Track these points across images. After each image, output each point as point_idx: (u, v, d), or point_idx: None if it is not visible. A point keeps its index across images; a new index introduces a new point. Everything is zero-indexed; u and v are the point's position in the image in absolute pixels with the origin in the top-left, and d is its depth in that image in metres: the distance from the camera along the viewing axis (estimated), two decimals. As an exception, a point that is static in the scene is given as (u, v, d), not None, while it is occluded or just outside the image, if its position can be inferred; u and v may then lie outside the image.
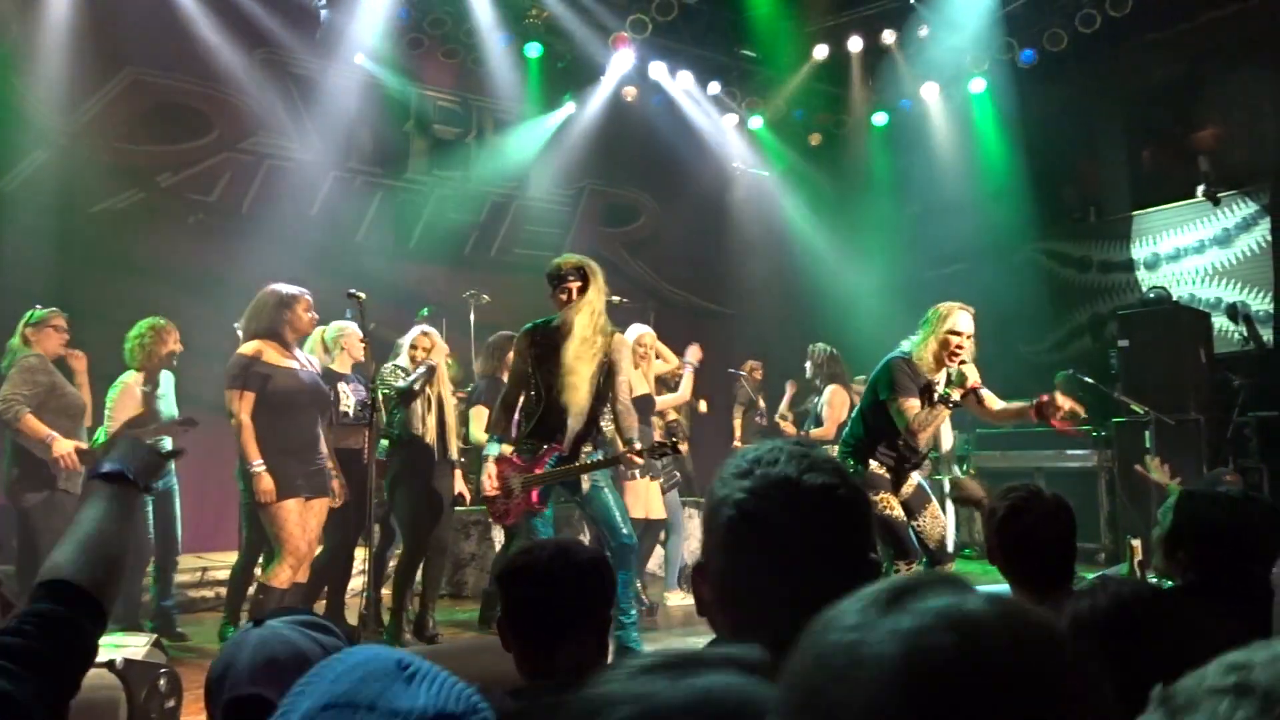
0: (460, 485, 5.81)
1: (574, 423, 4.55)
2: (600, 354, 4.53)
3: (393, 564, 5.75)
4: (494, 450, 4.60)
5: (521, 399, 4.64)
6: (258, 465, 4.57)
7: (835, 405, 7.17)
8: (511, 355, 4.71)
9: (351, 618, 5.66)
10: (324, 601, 5.63)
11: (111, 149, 7.79)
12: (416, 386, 5.28)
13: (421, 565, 5.51)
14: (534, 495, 4.52)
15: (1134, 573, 3.71)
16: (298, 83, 8.79)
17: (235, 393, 4.61)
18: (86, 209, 7.55)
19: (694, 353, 6.81)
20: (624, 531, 4.53)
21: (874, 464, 4.46)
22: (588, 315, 4.50)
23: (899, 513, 4.44)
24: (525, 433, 4.61)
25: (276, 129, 8.70)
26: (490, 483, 4.53)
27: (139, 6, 7.55)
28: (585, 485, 4.56)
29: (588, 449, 4.62)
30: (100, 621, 1.35)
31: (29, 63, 7.25)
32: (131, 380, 5.44)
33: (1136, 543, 3.59)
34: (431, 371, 5.37)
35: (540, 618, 1.74)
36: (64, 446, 4.96)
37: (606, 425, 4.81)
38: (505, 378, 5.93)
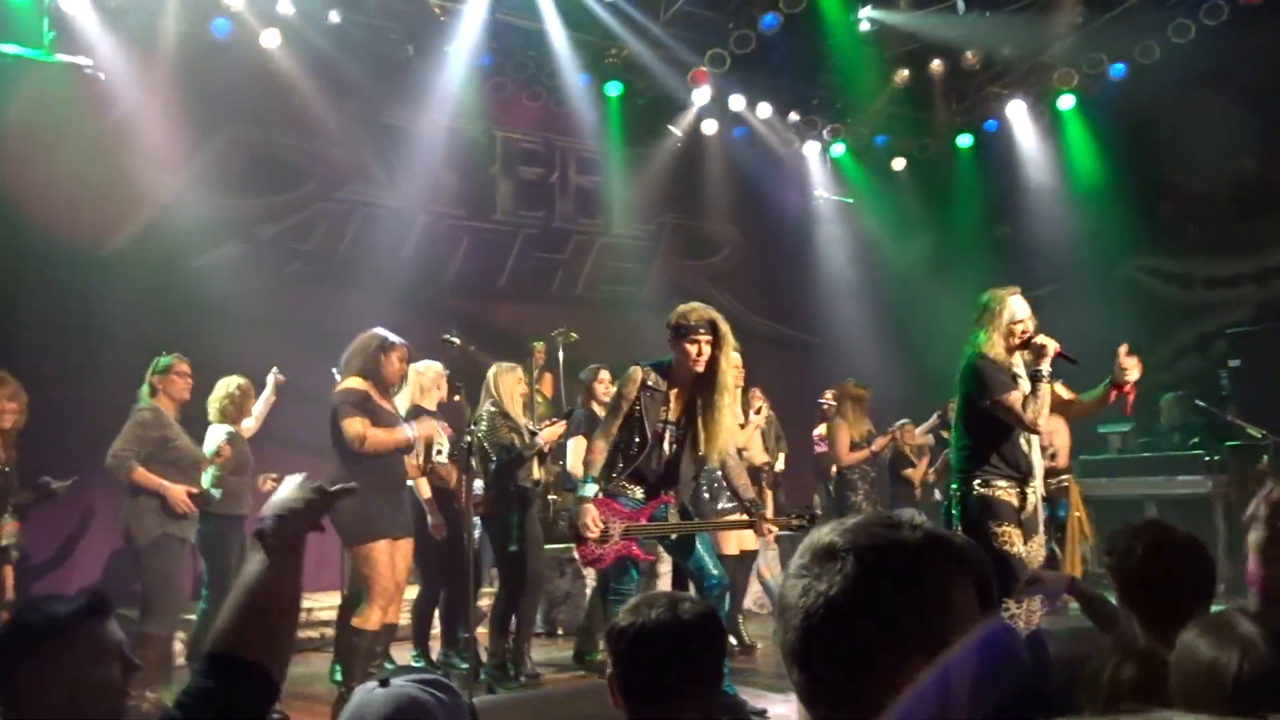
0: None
1: (689, 474, 4.52)
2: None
3: (483, 603, 5.81)
4: (591, 491, 4.41)
5: (621, 445, 4.48)
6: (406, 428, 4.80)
7: None
8: (613, 391, 4.61)
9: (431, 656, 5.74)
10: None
11: (213, 204, 8.12)
12: (526, 455, 5.36)
13: (520, 603, 5.54)
14: (633, 546, 4.41)
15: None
16: (386, 131, 9.06)
17: (357, 418, 4.68)
18: (191, 263, 7.87)
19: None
20: (715, 574, 4.46)
21: (1000, 485, 4.22)
22: (732, 369, 4.47)
23: (1018, 548, 4.19)
24: (620, 473, 4.47)
25: (367, 177, 8.98)
26: (594, 526, 4.35)
27: (235, 67, 7.89)
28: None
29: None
30: (266, 689, 1.33)
31: (137, 128, 7.62)
32: (224, 433, 5.65)
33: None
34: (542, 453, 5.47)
35: (652, 679, 1.73)
36: (177, 493, 5.13)
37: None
38: (596, 409, 6.00)
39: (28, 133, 6.90)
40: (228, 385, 5.73)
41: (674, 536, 4.48)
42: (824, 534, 1.11)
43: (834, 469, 7.50)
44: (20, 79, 7.02)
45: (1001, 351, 4.27)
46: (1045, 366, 4.17)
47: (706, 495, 5.95)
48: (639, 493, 4.46)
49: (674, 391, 4.42)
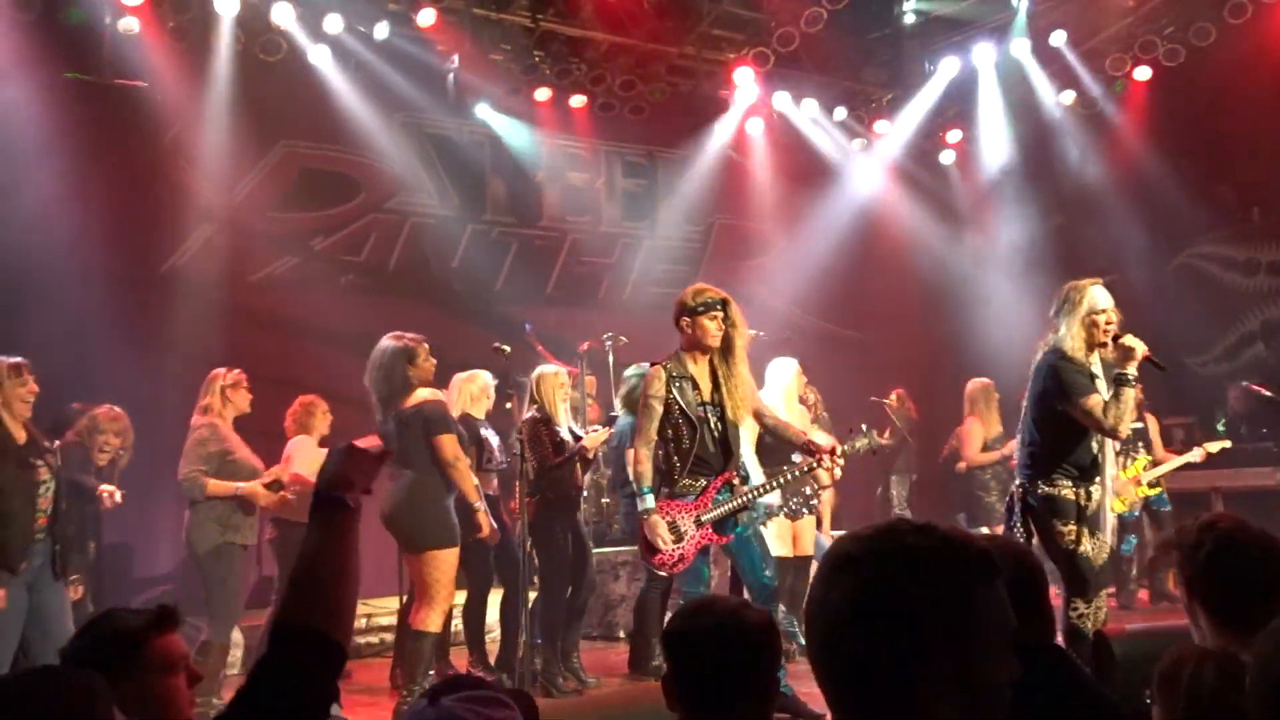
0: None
1: (738, 441, 4.55)
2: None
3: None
4: (651, 502, 4.40)
5: (671, 442, 4.48)
6: (480, 505, 4.94)
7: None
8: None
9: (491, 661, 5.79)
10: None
11: (268, 218, 8.30)
12: (563, 461, 5.39)
13: (570, 607, 5.57)
14: (711, 532, 4.42)
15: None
16: (434, 142, 9.18)
17: (452, 437, 4.83)
18: (247, 277, 8.05)
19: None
20: (766, 573, 4.45)
21: (1064, 485, 4.12)
22: (741, 337, 4.54)
23: (1084, 547, 4.07)
24: (683, 474, 4.46)
25: (417, 188, 9.10)
26: (667, 538, 4.35)
27: (288, 83, 8.04)
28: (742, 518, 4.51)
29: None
30: (330, 656, 1.34)
31: (193, 146, 7.81)
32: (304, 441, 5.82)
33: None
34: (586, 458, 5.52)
35: (708, 685, 1.73)
36: (253, 488, 5.26)
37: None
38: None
39: (88, 154, 7.10)
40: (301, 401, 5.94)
41: (732, 535, 4.46)
42: (841, 543, 1.12)
43: (963, 468, 7.43)
44: (80, 101, 7.22)
45: (1081, 347, 4.09)
46: (1131, 370, 4.00)
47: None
48: (703, 483, 4.47)
49: (697, 373, 4.51)
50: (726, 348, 4.50)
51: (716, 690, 1.73)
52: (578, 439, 5.53)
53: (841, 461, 4.58)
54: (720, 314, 4.46)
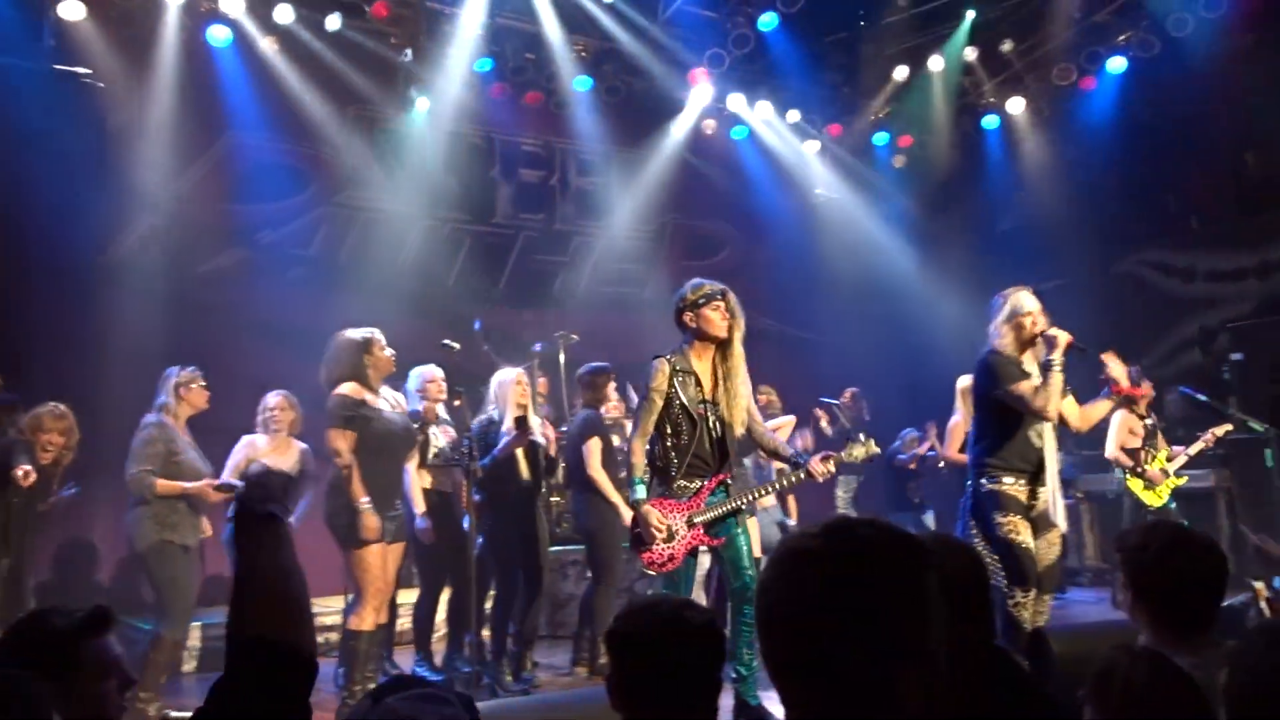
0: (628, 516, 5.85)
1: (734, 441, 4.47)
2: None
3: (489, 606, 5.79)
4: (642, 492, 4.33)
5: (670, 437, 4.38)
6: (365, 503, 4.67)
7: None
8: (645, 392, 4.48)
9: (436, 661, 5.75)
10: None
11: (214, 210, 8.15)
12: (501, 457, 5.33)
13: (518, 606, 5.54)
14: (702, 534, 4.32)
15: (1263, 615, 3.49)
16: (387, 136, 9.07)
17: (340, 432, 4.69)
18: (194, 269, 7.90)
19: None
20: (749, 573, 4.36)
21: (1007, 480, 4.35)
22: (739, 329, 4.45)
23: (1024, 538, 4.29)
24: (679, 473, 4.37)
25: (368, 182, 9.00)
26: (660, 526, 4.26)
27: (235, 73, 7.91)
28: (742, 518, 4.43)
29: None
30: (303, 670, 1.32)
31: (137, 135, 7.64)
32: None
33: (1260, 585, 3.39)
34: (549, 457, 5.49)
35: (652, 686, 1.72)
36: (201, 488, 5.18)
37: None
38: (605, 410, 6.00)
39: (28, 142, 6.91)
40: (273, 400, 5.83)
41: (724, 538, 4.36)
42: (794, 540, 1.12)
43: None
44: (20, 89, 7.03)
45: (1011, 344, 4.41)
46: (1057, 356, 4.29)
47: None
48: (697, 484, 4.37)
49: (700, 370, 4.41)
50: (726, 345, 4.43)
51: (659, 691, 1.72)
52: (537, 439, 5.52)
53: (834, 469, 4.58)
54: (722, 303, 4.39)
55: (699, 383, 4.38)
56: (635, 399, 5.08)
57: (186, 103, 7.74)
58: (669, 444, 4.37)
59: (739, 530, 4.39)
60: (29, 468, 4.81)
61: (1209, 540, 2.24)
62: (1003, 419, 4.38)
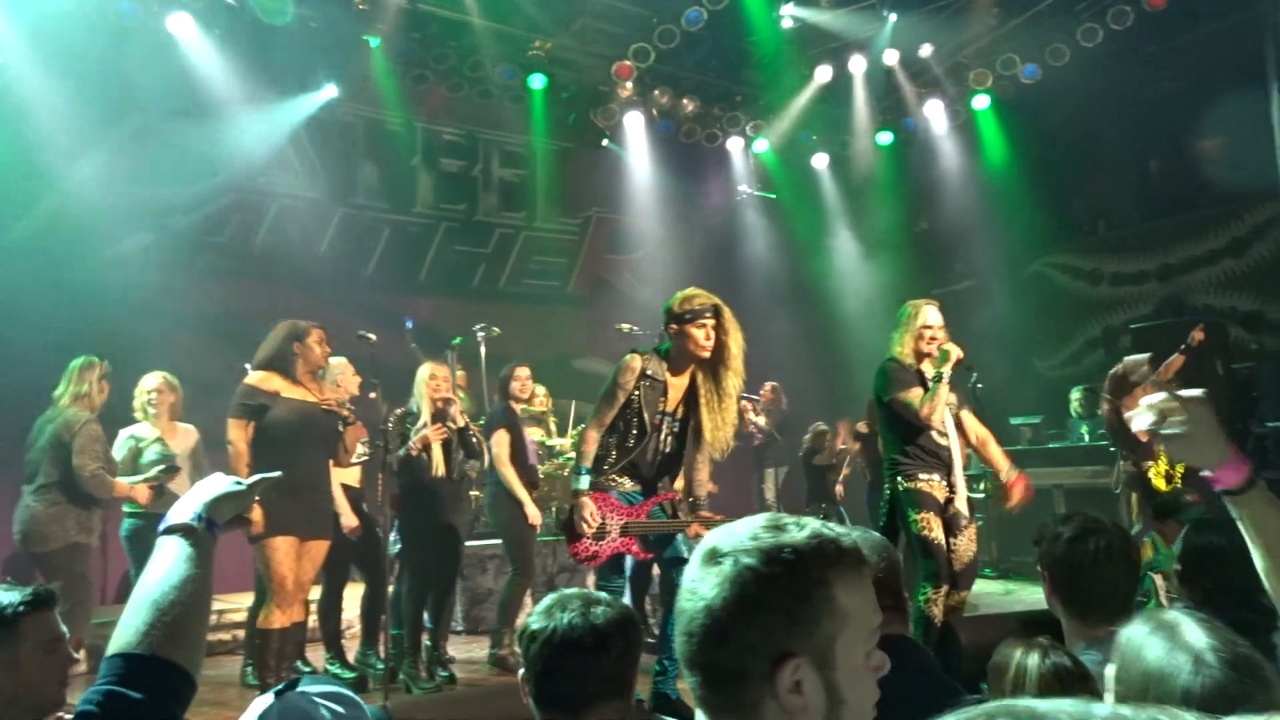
0: (532, 512, 5.80)
1: (702, 469, 4.34)
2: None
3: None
4: (586, 484, 4.19)
5: (616, 434, 4.26)
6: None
7: None
8: (529, 388, 4.41)
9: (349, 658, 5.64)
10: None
11: (120, 194, 7.84)
12: (414, 452, 5.25)
13: (432, 601, 5.46)
14: (633, 543, 4.20)
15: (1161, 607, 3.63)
16: (305, 121, 8.85)
17: (235, 421, 4.54)
18: (98, 254, 7.59)
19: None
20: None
21: (922, 478, 4.48)
22: (737, 346, 4.26)
23: (937, 534, 4.41)
24: (611, 466, 4.25)
25: (284, 168, 8.77)
26: (591, 521, 4.14)
27: (146, 52, 7.62)
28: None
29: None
30: (185, 691, 1.24)
31: (39, 113, 7.31)
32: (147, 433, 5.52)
33: (1158, 578, 3.53)
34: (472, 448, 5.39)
35: (562, 684, 1.70)
36: (142, 491, 5.16)
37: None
38: (513, 405, 5.93)
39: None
40: (154, 384, 5.60)
41: (652, 554, 4.26)
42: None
43: None
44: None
45: (910, 355, 4.61)
46: (946, 370, 4.47)
47: None
48: (628, 485, 4.27)
49: (673, 381, 4.25)
50: (719, 358, 4.21)
51: (571, 685, 1.70)
52: (463, 433, 5.44)
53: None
54: (710, 322, 4.17)
55: (665, 393, 4.23)
56: None
57: (91, 81, 7.43)
58: (614, 440, 4.26)
59: (682, 539, 4.24)
60: None
61: (1121, 532, 2.30)
62: (906, 420, 4.53)
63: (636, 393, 4.20)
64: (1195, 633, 1.54)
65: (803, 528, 1.08)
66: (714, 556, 1.07)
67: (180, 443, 5.65)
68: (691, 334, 4.17)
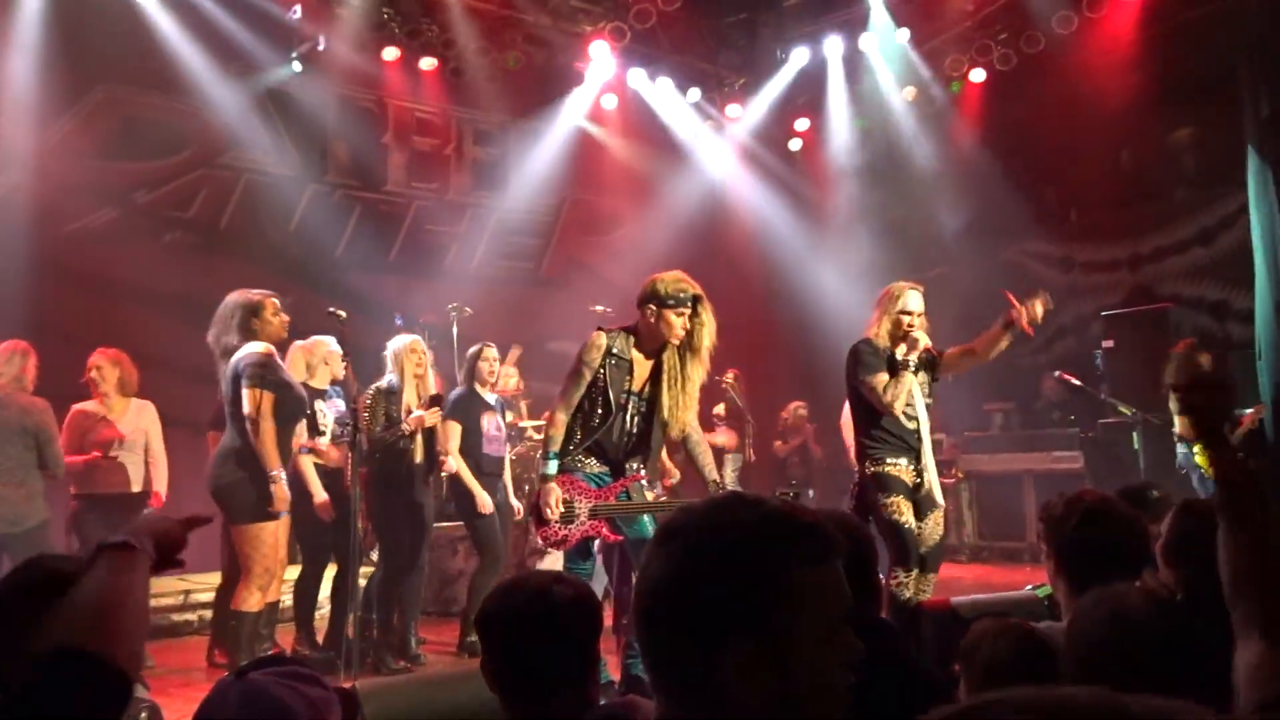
0: (514, 500, 5.86)
1: (658, 441, 4.30)
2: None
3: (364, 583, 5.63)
4: (554, 468, 4.15)
5: (582, 413, 4.22)
6: (277, 474, 4.45)
7: None
8: (497, 370, 4.35)
9: (319, 639, 5.60)
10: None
11: (85, 167, 7.68)
12: (388, 439, 5.18)
13: (402, 583, 5.42)
14: (603, 526, 4.19)
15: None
16: (272, 96, 8.69)
17: (256, 391, 4.42)
18: (61, 229, 7.44)
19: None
20: None
21: (890, 461, 4.48)
22: (709, 338, 4.25)
23: (907, 518, 4.41)
24: (576, 446, 4.22)
25: (253, 143, 8.61)
26: (556, 507, 4.10)
27: (110, 22, 7.45)
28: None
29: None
30: (123, 691, 1.18)
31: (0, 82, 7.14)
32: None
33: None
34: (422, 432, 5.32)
35: (523, 666, 1.67)
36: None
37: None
38: (479, 389, 5.85)
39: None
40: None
41: (623, 535, 4.21)
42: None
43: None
44: None
45: (885, 337, 4.58)
46: (912, 359, 4.50)
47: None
48: (595, 466, 4.23)
49: (639, 360, 4.23)
50: (690, 346, 4.23)
51: (531, 669, 1.66)
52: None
53: None
54: (688, 311, 4.18)
55: (631, 372, 4.21)
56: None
57: (53, 50, 7.25)
58: (580, 419, 4.22)
59: (648, 520, 4.23)
60: None
61: (1130, 512, 2.29)
62: (871, 404, 4.55)
63: (602, 371, 4.16)
64: (1143, 608, 1.53)
65: (758, 506, 1.04)
66: (666, 536, 1.04)
67: (133, 419, 5.58)
68: (669, 319, 4.16)
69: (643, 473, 4.32)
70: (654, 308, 4.19)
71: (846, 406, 7.36)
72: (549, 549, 4.32)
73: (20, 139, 7.31)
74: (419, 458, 5.33)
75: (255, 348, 4.54)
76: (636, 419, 4.25)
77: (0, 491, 4.96)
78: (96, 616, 1.21)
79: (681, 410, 4.23)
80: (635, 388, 4.23)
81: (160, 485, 5.65)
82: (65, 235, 7.48)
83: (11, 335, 5.37)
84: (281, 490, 4.46)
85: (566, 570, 4.16)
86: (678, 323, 4.16)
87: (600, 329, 4.27)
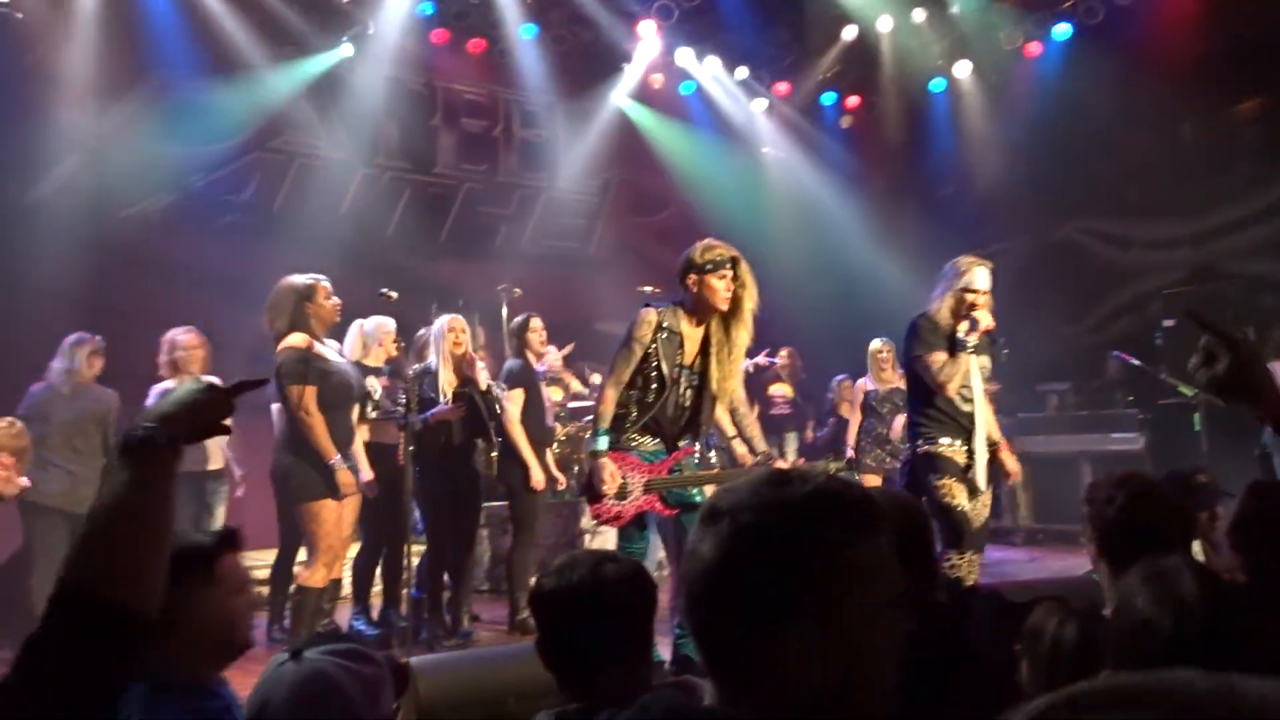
0: (555, 472, 5.85)
1: (709, 415, 4.28)
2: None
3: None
4: (604, 444, 4.12)
5: (636, 390, 4.19)
6: (339, 460, 4.53)
7: None
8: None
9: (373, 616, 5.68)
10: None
11: (141, 152, 7.82)
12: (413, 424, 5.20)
13: (453, 560, 5.47)
14: (656, 501, 4.18)
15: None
16: (324, 81, 8.78)
17: (299, 388, 4.49)
18: (119, 213, 7.60)
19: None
20: None
21: (944, 442, 4.34)
22: (751, 299, 4.21)
23: (959, 501, 4.27)
24: (633, 428, 4.18)
25: (305, 127, 8.72)
26: (611, 481, 4.07)
27: (164, 9, 7.57)
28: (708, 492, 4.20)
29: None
30: (122, 626, 1.12)
31: (59, 70, 7.29)
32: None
33: (1197, 546, 3.45)
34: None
35: (576, 644, 1.67)
36: None
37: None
38: (530, 358, 5.87)
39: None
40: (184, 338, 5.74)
41: (674, 494, 4.19)
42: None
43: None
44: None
45: (947, 314, 4.37)
46: (972, 339, 4.30)
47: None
48: (650, 445, 4.20)
49: (689, 334, 4.20)
50: (733, 311, 4.18)
51: (580, 651, 1.66)
52: (486, 395, 5.41)
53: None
54: (730, 273, 4.13)
55: (682, 346, 4.18)
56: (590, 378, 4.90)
57: (111, 37, 7.39)
58: (633, 395, 4.19)
59: (700, 497, 4.20)
60: None
61: (1174, 496, 2.25)
62: (926, 383, 4.39)
63: (654, 345, 4.14)
64: (1188, 584, 1.50)
65: (807, 482, 1.01)
66: (713, 516, 1.02)
67: None
68: (712, 284, 4.12)
69: (695, 446, 4.30)
70: (695, 277, 4.16)
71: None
72: (602, 525, 4.31)
73: (80, 125, 7.47)
74: (457, 437, 5.36)
75: (293, 341, 4.59)
76: (689, 392, 4.23)
77: (83, 474, 5.21)
78: (108, 548, 1.15)
79: (728, 380, 4.22)
80: (687, 361, 4.21)
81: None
82: (124, 219, 7.63)
83: (74, 317, 5.52)
84: (345, 476, 4.53)
85: (620, 549, 4.19)
86: (720, 286, 4.12)
87: (649, 305, 4.25)
